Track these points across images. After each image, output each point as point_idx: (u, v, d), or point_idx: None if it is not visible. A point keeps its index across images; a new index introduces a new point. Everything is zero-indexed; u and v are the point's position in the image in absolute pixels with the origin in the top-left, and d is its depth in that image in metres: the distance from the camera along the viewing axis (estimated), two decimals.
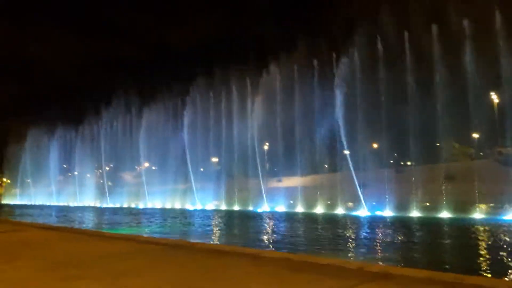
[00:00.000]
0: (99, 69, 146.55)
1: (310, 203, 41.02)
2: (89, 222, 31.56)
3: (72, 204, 71.51)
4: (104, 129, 68.96)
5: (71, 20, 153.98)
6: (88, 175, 79.69)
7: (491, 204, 32.72)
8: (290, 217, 32.51)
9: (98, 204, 66.57)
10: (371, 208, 35.22)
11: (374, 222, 27.05)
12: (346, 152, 52.35)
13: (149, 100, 60.91)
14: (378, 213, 33.57)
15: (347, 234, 20.89)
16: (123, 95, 64.70)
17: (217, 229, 24.99)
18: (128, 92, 63.98)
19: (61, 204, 72.47)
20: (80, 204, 69.55)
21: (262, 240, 18.80)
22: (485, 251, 15.08)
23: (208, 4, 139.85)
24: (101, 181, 72.29)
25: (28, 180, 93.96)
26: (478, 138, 42.63)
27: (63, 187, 79.74)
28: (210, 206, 49.18)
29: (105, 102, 68.77)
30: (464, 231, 21.68)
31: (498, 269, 11.51)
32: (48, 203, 74.42)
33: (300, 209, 40.65)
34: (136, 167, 69.59)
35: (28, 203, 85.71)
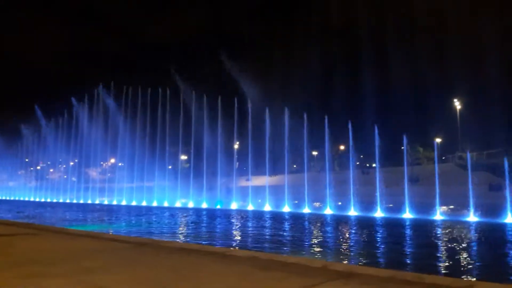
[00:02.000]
0: (74, 60, 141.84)
1: (277, 202, 41.42)
2: (52, 218, 30.66)
3: (34, 199, 69.17)
4: (70, 123, 67.04)
5: (50, 6, 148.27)
6: (51, 170, 77.38)
7: (451, 206, 34.07)
8: (257, 215, 32.71)
9: (61, 200, 64.70)
10: (336, 208, 35.90)
11: (336, 221, 27.60)
12: (314, 153, 53.07)
13: (120, 94, 59.72)
14: (342, 213, 34.24)
15: (306, 233, 21.26)
16: (92, 88, 63.24)
17: (184, 227, 24.85)
18: (98, 85, 62.57)
19: (22, 199, 69.97)
20: (43, 200, 67.38)
21: (230, 238, 18.87)
22: (443, 250, 15.74)
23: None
24: (65, 177, 70.29)
25: None
26: (441, 142, 44.24)
27: (25, 181, 77.05)
28: (177, 204, 48.74)
29: (75, 95, 66.97)
30: (423, 231, 22.49)
31: (455, 268, 12.05)
32: (8, 198, 71.68)
33: (267, 208, 40.94)
34: (102, 163, 68.08)
35: None
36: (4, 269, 7.64)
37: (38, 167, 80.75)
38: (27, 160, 78.40)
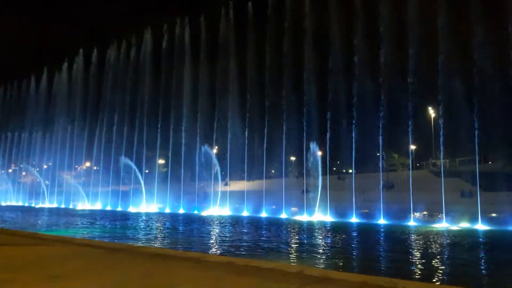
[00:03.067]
0: (46, 57, 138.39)
1: (255, 208, 41.41)
2: (23, 223, 29.83)
3: (4, 203, 67.23)
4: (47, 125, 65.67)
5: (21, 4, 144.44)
6: (23, 173, 75.41)
7: (425, 212, 34.76)
8: (234, 220, 32.62)
9: (33, 204, 63.07)
10: (312, 213, 36.16)
11: (311, 226, 27.78)
12: (292, 158, 53.38)
13: (95, 97, 58.76)
14: (319, 218, 34.51)
15: (283, 238, 21.33)
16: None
17: (160, 232, 24.55)
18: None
19: None
20: (14, 204, 65.56)
21: (205, 244, 18.75)
22: (415, 256, 16.04)
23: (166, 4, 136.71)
24: (38, 180, 68.57)
25: None
26: (415, 150, 45.16)
27: None
28: (154, 208, 48.15)
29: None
30: (396, 237, 22.88)
31: (427, 273, 12.28)
32: None
33: (245, 213, 40.89)
34: (76, 166, 66.74)
35: None
36: None
37: (10, 170, 78.57)
38: None
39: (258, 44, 43.82)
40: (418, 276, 11.95)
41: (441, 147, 34.79)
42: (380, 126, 35.35)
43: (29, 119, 68.79)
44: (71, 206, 56.56)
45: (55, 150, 63.66)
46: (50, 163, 68.05)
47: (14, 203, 65.40)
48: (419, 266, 13.90)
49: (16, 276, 7.26)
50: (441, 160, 38.68)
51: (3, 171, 78.45)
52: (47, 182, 67.13)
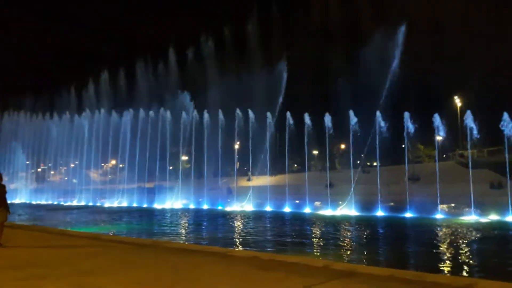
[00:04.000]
0: (67, 60, 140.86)
1: (278, 203, 41.35)
2: (53, 221, 30.65)
3: (34, 201, 69.27)
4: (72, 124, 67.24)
5: (37, 7, 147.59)
6: (52, 172, 77.44)
7: (452, 205, 34.00)
8: (258, 215, 32.67)
9: (62, 202, 64.74)
10: (337, 207, 35.85)
11: (336, 221, 27.51)
12: (315, 152, 53.02)
13: (120, 96, 59.67)
14: (344, 212, 34.19)
15: (307, 233, 21.24)
16: (93, 88, 63.39)
17: (185, 228, 24.83)
18: (99, 86, 62.73)
19: (23, 201, 70.05)
20: (43, 202, 67.46)
21: (230, 239, 18.85)
22: (444, 249, 15.71)
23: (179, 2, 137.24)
24: (66, 178, 70.32)
25: None
26: (442, 140, 44.12)
27: (25, 184, 77.06)
28: (178, 204, 48.72)
29: (74, 95, 67.07)
30: (423, 230, 22.44)
31: (456, 266, 12.02)
32: (9, 201, 71.74)
33: (268, 208, 40.92)
34: (102, 164, 68.06)
35: None
36: (4, 270, 7.64)
37: (39, 169, 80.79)
38: (27, 162, 78.44)
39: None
40: (450, 270, 11.71)
41: (468, 137, 33.89)
42: (405, 117, 34.67)
43: (57, 120, 70.59)
44: (98, 204, 57.80)
45: (81, 150, 65.19)
46: (77, 162, 69.67)
47: (43, 202, 67.30)
48: (451, 260, 13.62)
49: (48, 271, 7.48)
50: (469, 151, 37.71)
51: (32, 171, 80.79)
52: (74, 180, 68.72)
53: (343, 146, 48.37)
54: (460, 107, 47.39)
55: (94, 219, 30.97)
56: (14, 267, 8.10)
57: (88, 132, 62.55)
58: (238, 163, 48.58)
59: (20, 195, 72.79)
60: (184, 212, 37.63)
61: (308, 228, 24.00)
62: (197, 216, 33.17)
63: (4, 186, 10.92)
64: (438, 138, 40.98)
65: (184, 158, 54.99)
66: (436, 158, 41.01)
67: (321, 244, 17.30)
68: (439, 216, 30.20)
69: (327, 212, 35.02)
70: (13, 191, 75.20)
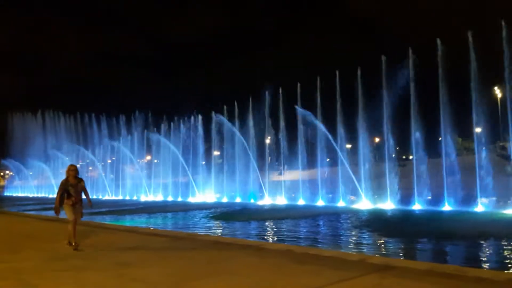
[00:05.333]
0: (102, 63, 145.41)
1: (311, 196, 41.14)
2: (91, 214, 31.60)
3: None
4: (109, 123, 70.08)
5: (72, 11, 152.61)
6: (90, 168, 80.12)
7: (493, 198, 32.75)
8: (290, 209, 32.57)
9: (100, 196, 66.87)
10: (373, 201, 35.30)
11: (371, 215, 27.04)
12: (348, 146, 52.37)
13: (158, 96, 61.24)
14: (379, 206, 33.63)
15: (346, 226, 20.97)
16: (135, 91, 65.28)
17: (219, 221, 25.02)
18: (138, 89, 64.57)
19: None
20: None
21: (263, 232, 18.90)
22: (487, 244, 15.13)
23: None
24: (103, 174, 72.53)
25: (31, 172, 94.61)
26: (481, 132, 42.51)
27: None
28: (212, 198, 49.33)
29: (110, 97, 69.41)
30: (464, 224, 21.68)
31: (498, 261, 11.57)
32: (49, 195, 74.76)
33: (301, 202, 40.76)
34: (138, 160, 69.79)
35: (30, 195, 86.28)
36: (47, 262, 7.96)
37: (78, 165, 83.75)
38: (67, 159, 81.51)
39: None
40: (489, 264, 11.30)
41: (510, 129, 32.48)
42: (441, 108, 33.60)
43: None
44: (134, 198, 59.34)
45: (117, 147, 67.34)
46: (113, 158, 71.86)
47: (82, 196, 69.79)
48: (491, 254, 13.14)
49: (88, 263, 7.73)
50: (510, 143, 36.20)
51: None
52: (111, 175, 70.85)
53: (377, 139, 47.37)
54: (501, 98, 45.44)
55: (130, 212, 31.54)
56: (55, 258, 8.41)
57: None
58: (269, 158, 48.61)
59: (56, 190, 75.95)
60: (216, 206, 37.79)
61: (342, 221, 23.67)
62: (230, 210, 33.27)
63: (81, 180, 10.13)
64: (477, 130, 39.49)
65: (216, 153, 55.57)
66: (476, 150, 39.54)
67: (358, 238, 17.02)
68: (479, 209, 29.23)
69: (361, 205, 34.61)
70: (49, 186, 78.66)
